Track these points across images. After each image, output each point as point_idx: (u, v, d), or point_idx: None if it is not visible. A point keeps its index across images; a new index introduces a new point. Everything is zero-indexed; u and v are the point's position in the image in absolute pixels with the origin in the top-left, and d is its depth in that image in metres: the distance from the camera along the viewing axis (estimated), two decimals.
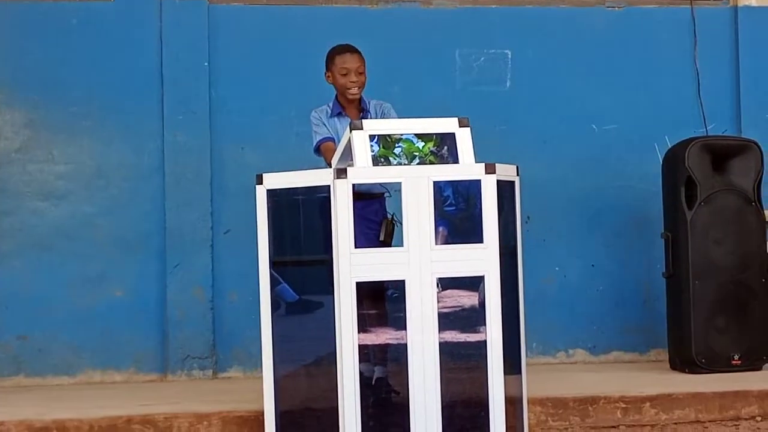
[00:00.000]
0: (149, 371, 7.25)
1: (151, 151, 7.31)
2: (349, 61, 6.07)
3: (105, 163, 7.29)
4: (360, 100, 6.15)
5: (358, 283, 4.99)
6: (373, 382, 5.43)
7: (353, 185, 5.02)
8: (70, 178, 7.26)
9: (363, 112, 6.12)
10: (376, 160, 5.15)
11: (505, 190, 5.20)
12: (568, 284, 7.62)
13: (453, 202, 5.20)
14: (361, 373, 5.07)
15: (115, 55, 7.31)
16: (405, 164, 5.15)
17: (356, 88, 6.06)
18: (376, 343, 5.25)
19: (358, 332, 4.99)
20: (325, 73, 6.15)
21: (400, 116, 6.04)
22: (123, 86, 7.29)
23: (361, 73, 6.06)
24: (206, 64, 7.33)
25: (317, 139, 6.07)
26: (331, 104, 6.15)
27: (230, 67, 7.39)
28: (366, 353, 5.12)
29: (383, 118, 6.07)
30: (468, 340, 5.12)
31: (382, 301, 5.39)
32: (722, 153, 6.97)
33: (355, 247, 5.10)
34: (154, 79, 7.31)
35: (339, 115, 6.11)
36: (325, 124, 6.08)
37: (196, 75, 7.31)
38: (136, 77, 7.31)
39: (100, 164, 7.29)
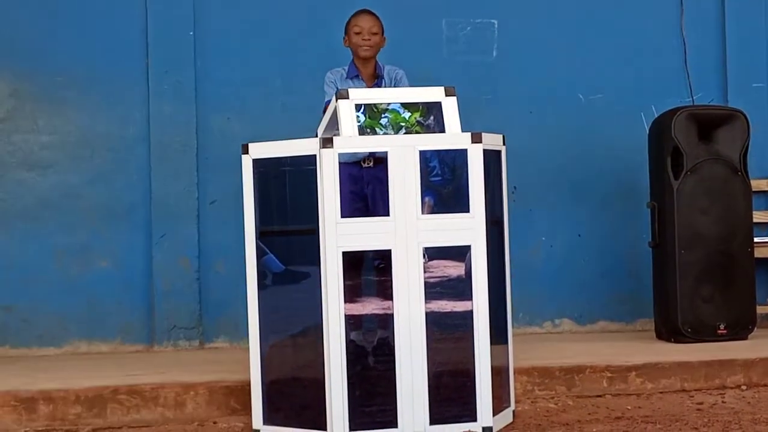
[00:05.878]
0: (135, 342, 7.24)
1: (137, 122, 7.28)
2: (362, 21, 6.14)
3: (90, 134, 7.26)
4: (375, 65, 6.18)
5: (344, 253, 4.99)
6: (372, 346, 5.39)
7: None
8: (55, 148, 7.23)
9: (378, 78, 6.17)
10: (363, 131, 5.14)
11: (491, 159, 5.20)
12: (554, 254, 7.63)
13: (439, 172, 5.19)
14: (353, 342, 5.08)
15: (100, 25, 7.26)
16: (391, 135, 5.15)
17: (367, 47, 6.10)
18: (363, 312, 5.24)
19: (345, 302, 4.99)
20: (343, 38, 6.20)
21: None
22: (108, 56, 7.25)
23: (374, 33, 6.11)
24: (191, 33, 7.29)
25: (326, 99, 6.05)
26: (347, 67, 6.19)
27: (216, 37, 7.35)
28: (352, 322, 5.10)
29: (396, 86, 6.12)
30: (454, 309, 5.12)
31: (368, 271, 5.37)
32: (709, 122, 6.97)
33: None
34: (140, 48, 7.27)
35: (355, 77, 6.14)
36: (337, 87, 6.03)
37: (181, 45, 7.27)
38: (122, 47, 7.27)
39: (85, 134, 7.26)
